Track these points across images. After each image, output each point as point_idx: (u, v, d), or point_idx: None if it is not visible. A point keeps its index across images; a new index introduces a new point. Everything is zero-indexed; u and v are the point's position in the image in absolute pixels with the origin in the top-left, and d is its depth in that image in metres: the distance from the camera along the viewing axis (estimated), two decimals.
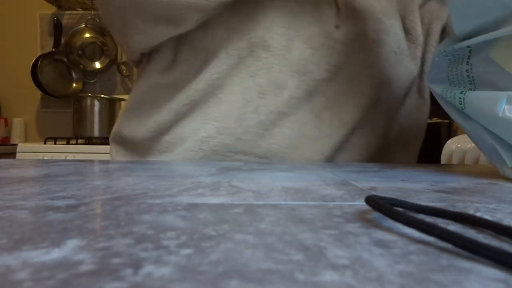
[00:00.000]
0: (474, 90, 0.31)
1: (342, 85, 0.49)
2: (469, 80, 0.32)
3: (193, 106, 0.49)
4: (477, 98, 0.30)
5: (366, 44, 0.49)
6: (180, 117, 0.49)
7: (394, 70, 0.52)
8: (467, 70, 0.31)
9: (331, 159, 0.50)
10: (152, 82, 0.52)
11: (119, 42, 0.53)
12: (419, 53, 0.56)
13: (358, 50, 0.49)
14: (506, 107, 0.28)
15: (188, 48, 0.49)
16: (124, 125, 0.54)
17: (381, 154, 0.54)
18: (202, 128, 0.48)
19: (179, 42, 0.50)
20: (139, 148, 0.53)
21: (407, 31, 0.55)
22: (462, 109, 0.32)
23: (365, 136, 0.51)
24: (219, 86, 0.48)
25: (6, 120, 2.04)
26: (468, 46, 0.31)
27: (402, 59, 0.53)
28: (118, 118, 0.58)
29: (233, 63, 0.47)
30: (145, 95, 0.52)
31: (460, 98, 0.32)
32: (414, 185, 0.26)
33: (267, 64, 0.47)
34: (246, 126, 0.47)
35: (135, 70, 2.19)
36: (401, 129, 0.56)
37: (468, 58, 0.31)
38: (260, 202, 0.19)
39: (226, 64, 0.47)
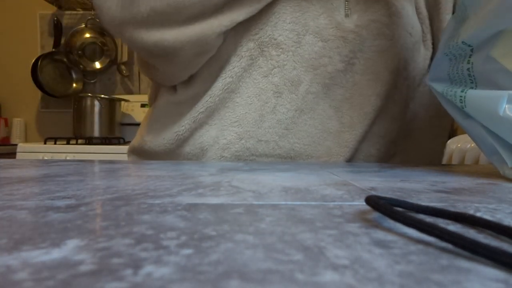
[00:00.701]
0: (475, 88, 0.31)
1: (359, 75, 0.48)
2: (470, 79, 0.32)
3: (210, 113, 0.49)
4: (477, 97, 0.30)
5: (379, 29, 0.49)
6: (198, 125, 0.49)
7: (411, 53, 0.51)
8: (468, 69, 0.31)
9: (356, 151, 0.50)
10: (176, 98, 0.52)
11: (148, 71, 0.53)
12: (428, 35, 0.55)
13: (371, 37, 0.48)
14: (506, 106, 0.28)
15: None
16: (145, 138, 0.54)
17: (401, 140, 0.53)
18: (221, 136, 0.48)
19: None
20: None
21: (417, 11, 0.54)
22: (463, 108, 0.32)
23: (385, 123, 0.51)
24: (233, 90, 0.48)
25: (6, 120, 2.04)
26: (469, 45, 0.31)
27: (418, 42, 0.52)
28: (139, 131, 0.59)
29: (245, 65, 0.47)
30: (167, 109, 0.53)
31: (461, 96, 0.32)
32: (414, 185, 0.26)
33: (279, 62, 0.47)
34: (266, 127, 0.47)
35: (135, 70, 2.17)
36: (420, 111, 0.55)
37: (469, 57, 0.31)
38: (260, 202, 0.19)
39: (238, 67, 0.47)
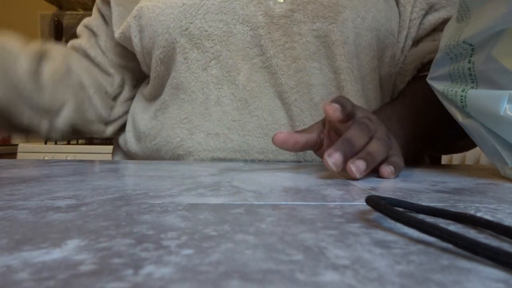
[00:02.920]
0: (476, 88, 0.31)
1: (303, 60, 0.46)
2: (471, 79, 0.32)
3: (163, 112, 0.50)
4: (478, 97, 0.30)
5: (317, 11, 0.46)
6: (153, 126, 0.51)
7: (367, 40, 0.48)
8: (469, 68, 0.31)
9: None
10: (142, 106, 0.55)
11: None
12: None
13: (309, 20, 0.46)
14: (507, 106, 0.28)
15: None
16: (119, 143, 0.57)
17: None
18: (174, 134, 0.48)
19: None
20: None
21: None
22: (463, 108, 0.32)
23: None
24: (177, 86, 0.49)
25: None
26: (470, 44, 0.31)
27: (378, 29, 0.48)
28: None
29: (181, 59, 0.47)
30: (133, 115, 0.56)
31: (461, 96, 0.32)
32: (415, 185, 0.26)
33: (214, 53, 0.47)
34: (213, 120, 0.47)
35: None
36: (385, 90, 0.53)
37: (470, 56, 0.31)
38: (261, 202, 0.19)
39: (176, 63, 0.48)
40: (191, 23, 0.46)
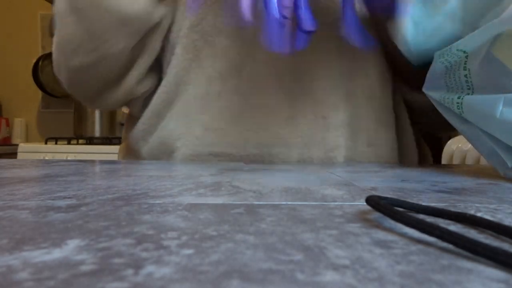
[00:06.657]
0: (472, 94, 0.32)
1: (310, 54, 0.46)
2: (467, 85, 0.32)
3: (167, 105, 0.49)
4: (474, 102, 0.30)
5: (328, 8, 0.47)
6: (158, 120, 0.50)
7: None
8: (465, 75, 0.32)
9: (318, 143, 0.47)
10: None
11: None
12: None
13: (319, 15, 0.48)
14: (503, 109, 0.28)
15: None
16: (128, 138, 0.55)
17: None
18: (178, 129, 0.48)
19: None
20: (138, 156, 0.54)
21: None
22: (461, 114, 0.32)
23: (350, 114, 0.48)
24: (186, 82, 0.48)
25: (7, 120, 2.05)
26: (464, 52, 0.31)
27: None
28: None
29: (192, 56, 0.48)
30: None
31: (458, 103, 0.32)
32: (415, 185, 0.26)
33: (222, 48, 0.47)
34: (212, 114, 0.47)
35: None
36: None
37: (465, 63, 0.31)
38: (261, 202, 0.19)
39: (186, 60, 0.48)
40: (203, 19, 0.47)
